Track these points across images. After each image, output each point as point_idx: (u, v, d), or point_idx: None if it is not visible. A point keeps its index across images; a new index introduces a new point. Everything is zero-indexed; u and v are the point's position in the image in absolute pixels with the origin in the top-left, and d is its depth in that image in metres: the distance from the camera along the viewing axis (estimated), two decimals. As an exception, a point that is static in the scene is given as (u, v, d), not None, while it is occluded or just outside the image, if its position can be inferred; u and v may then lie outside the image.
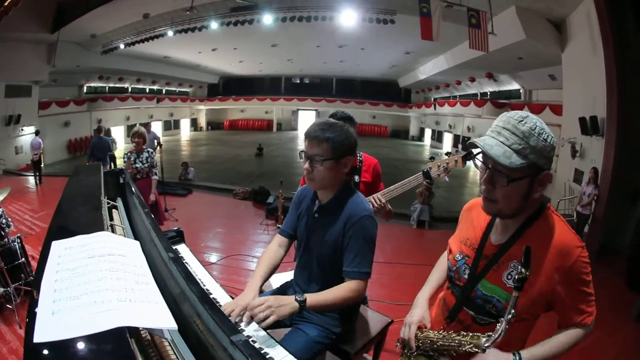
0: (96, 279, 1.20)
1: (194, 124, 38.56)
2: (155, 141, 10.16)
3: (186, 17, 16.10)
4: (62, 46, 17.45)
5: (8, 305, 4.35)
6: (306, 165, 1.96)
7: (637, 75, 8.36)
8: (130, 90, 29.18)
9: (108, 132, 10.95)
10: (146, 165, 6.00)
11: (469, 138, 25.47)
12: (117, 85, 27.61)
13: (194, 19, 16.09)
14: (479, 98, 24.36)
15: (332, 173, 1.94)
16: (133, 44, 18.36)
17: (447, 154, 3.21)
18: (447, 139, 30.06)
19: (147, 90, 31.27)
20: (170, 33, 17.07)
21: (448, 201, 13.57)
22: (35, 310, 1.07)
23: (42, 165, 13.50)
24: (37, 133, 14.00)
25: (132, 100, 27.98)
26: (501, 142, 1.33)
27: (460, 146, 27.73)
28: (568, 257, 1.34)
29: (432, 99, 32.47)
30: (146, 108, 29.92)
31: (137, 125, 6.46)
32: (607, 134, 8.87)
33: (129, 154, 5.95)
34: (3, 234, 4.70)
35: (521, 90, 20.43)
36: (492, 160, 1.32)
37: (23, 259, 4.70)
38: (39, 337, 0.97)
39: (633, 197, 8.41)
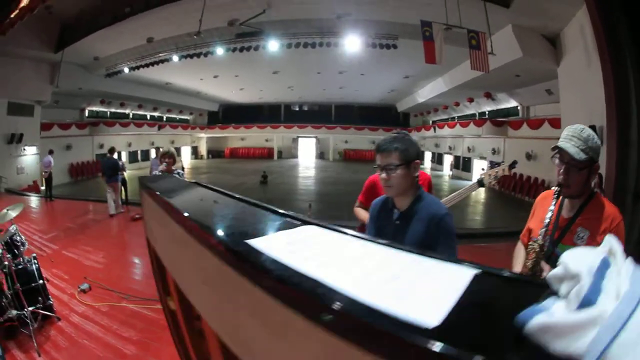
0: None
1: (195, 151, 38.76)
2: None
3: (190, 42, 16.33)
4: (65, 67, 17.66)
5: (23, 330, 4.06)
6: (383, 175, 2.13)
7: (633, 81, 8.63)
8: (131, 116, 29.43)
9: (119, 155, 11.41)
10: None
11: (469, 159, 25.67)
12: (118, 110, 27.91)
13: (198, 44, 16.31)
14: (477, 118, 24.59)
15: (406, 177, 2.12)
16: (138, 67, 18.55)
17: (496, 164, 3.51)
18: (447, 161, 30.21)
19: (148, 117, 31.54)
20: (175, 58, 17.27)
21: (452, 217, 13.67)
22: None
23: (51, 185, 13.95)
24: (50, 152, 14.33)
25: (133, 126, 28.22)
26: (573, 144, 1.95)
27: (451, 166, 28.00)
28: (613, 222, 1.96)
29: (431, 122, 32.83)
30: (147, 135, 30.14)
31: (168, 147, 6.42)
32: (608, 141, 9.08)
33: (159, 173, 5.75)
34: (17, 252, 4.49)
35: (519, 107, 20.76)
36: (568, 157, 1.95)
37: (41, 280, 4.42)
38: None
39: (635, 199, 8.62)
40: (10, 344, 3.99)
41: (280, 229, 1.15)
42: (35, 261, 4.57)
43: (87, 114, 25.48)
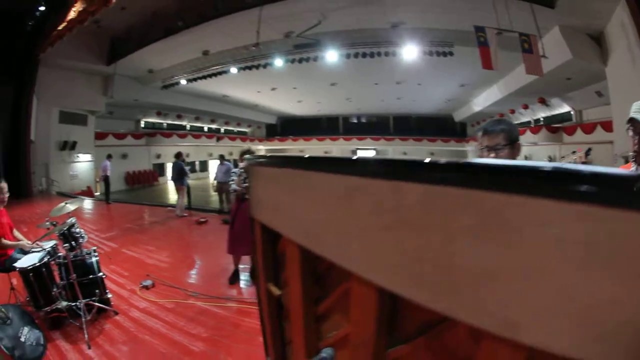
0: None
1: (254, 163, 39.09)
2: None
3: (247, 55, 16.55)
4: (119, 79, 18.55)
5: (72, 321, 4.02)
6: (491, 155, 2.30)
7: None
8: (188, 127, 30.25)
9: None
10: None
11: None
12: (175, 122, 28.74)
13: (256, 56, 16.48)
14: (532, 125, 24.13)
15: (511, 157, 2.27)
16: (194, 79, 18.95)
17: (573, 152, 3.72)
18: (504, 171, 29.49)
19: (206, 129, 32.39)
20: (233, 69, 17.50)
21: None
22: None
23: (109, 188, 14.74)
24: (109, 157, 15.06)
25: (191, 137, 28.98)
26: None
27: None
28: None
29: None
30: (205, 146, 30.96)
31: (248, 147, 6.60)
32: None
33: (239, 171, 5.60)
34: (75, 244, 4.42)
35: (572, 112, 20.41)
36: None
37: (100, 273, 4.39)
38: None
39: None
40: (56, 335, 3.90)
41: None
42: (95, 254, 4.56)
43: (142, 125, 26.48)
